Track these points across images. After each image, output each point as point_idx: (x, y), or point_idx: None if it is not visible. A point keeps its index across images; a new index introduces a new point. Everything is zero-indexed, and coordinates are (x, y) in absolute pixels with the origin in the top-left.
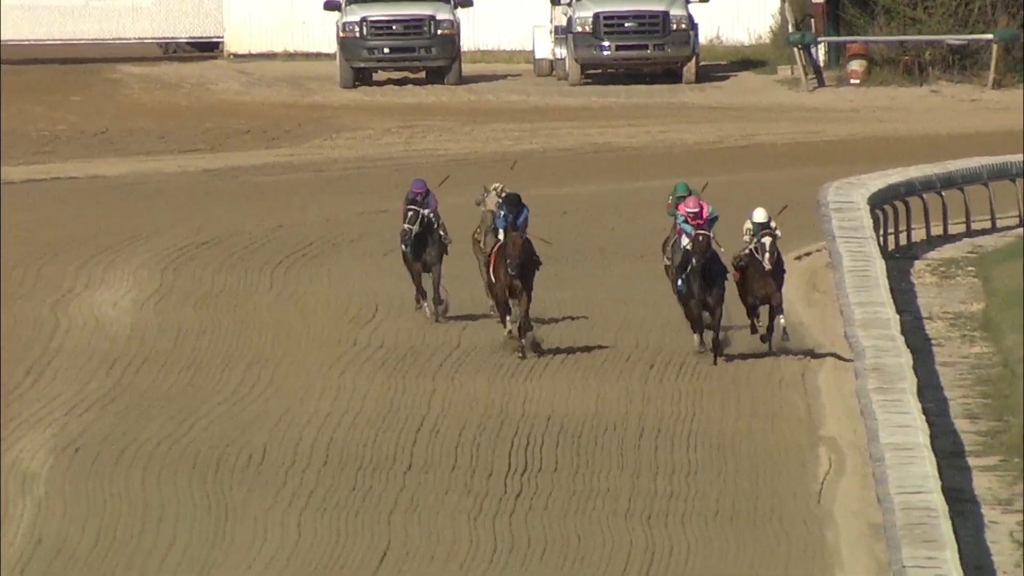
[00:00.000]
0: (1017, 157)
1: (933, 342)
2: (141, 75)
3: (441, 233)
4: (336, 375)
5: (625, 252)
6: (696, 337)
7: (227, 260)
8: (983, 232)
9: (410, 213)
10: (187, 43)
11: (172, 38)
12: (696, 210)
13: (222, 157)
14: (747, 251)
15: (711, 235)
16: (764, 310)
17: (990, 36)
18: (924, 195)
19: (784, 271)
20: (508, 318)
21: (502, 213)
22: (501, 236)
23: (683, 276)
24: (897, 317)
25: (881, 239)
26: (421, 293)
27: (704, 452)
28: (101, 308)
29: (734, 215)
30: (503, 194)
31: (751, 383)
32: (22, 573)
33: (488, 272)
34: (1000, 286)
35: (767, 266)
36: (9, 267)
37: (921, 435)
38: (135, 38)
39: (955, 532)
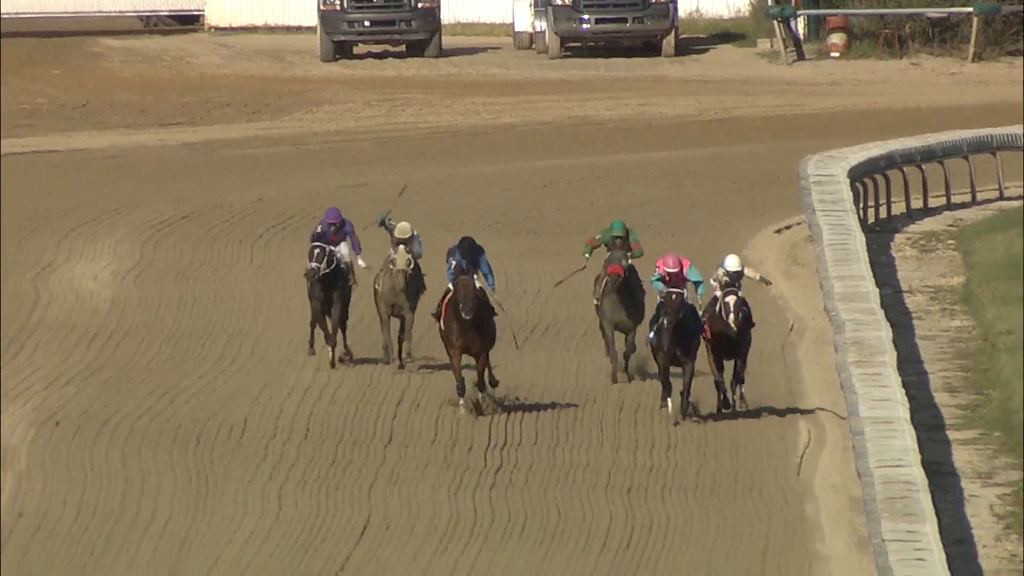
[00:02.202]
0: (998, 130)
1: (913, 315)
2: (122, 48)
3: (350, 277)
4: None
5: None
6: (663, 393)
7: (207, 233)
8: (963, 205)
9: (316, 251)
10: (168, 16)
11: (153, 11)
12: (675, 270)
13: (202, 130)
14: (715, 308)
15: (684, 293)
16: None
17: (970, 9)
18: (904, 168)
19: (753, 324)
20: (463, 397)
21: (453, 263)
22: (451, 286)
23: (655, 330)
24: (877, 290)
25: (861, 212)
26: (326, 335)
27: (684, 426)
28: (82, 281)
29: (714, 187)
30: (410, 237)
31: None
32: (3, 546)
33: (439, 330)
34: (980, 259)
35: (733, 328)
36: None
37: (901, 408)
38: (116, 11)
39: (935, 505)
